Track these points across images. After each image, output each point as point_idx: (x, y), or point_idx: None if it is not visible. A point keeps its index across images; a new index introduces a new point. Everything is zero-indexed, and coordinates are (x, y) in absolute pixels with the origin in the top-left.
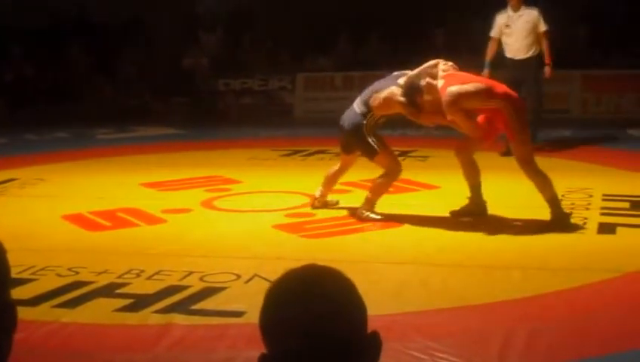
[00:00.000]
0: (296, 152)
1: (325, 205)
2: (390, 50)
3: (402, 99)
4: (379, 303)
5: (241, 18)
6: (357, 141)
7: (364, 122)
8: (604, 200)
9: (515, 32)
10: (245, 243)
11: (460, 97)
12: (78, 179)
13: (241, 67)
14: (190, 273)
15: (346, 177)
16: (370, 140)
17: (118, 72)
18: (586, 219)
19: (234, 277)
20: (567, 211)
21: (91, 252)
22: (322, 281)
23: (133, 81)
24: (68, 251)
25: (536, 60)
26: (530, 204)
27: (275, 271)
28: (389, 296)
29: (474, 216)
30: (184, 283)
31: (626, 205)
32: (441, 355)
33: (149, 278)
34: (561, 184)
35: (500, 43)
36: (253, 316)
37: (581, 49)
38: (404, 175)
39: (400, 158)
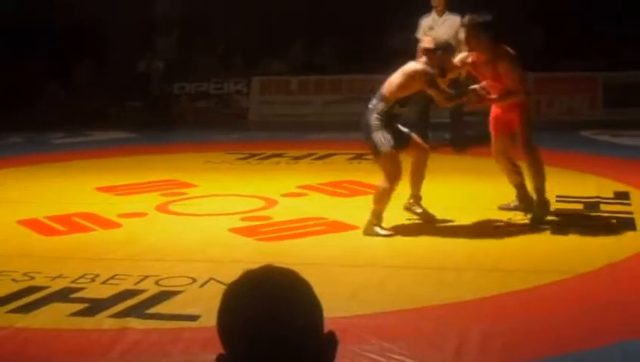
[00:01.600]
0: (251, 156)
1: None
2: (344, 54)
3: (426, 67)
4: (335, 305)
5: (195, 22)
6: (366, 136)
7: (375, 115)
8: (557, 201)
9: (439, 36)
10: (201, 247)
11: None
12: (34, 184)
13: (197, 71)
14: (145, 277)
15: (304, 180)
16: (379, 137)
17: (72, 76)
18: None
19: (189, 281)
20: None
21: (46, 257)
22: (278, 282)
23: (88, 86)
24: (23, 256)
25: None
26: (484, 206)
27: (231, 275)
28: (345, 298)
29: (523, 211)
30: (139, 287)
31: (580, 206)
32: (397, 357)
33: (104, 283)
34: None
35: None
36: (209, 320)
37: (534, 52)
38: (360, 177)
39: (355, 161)
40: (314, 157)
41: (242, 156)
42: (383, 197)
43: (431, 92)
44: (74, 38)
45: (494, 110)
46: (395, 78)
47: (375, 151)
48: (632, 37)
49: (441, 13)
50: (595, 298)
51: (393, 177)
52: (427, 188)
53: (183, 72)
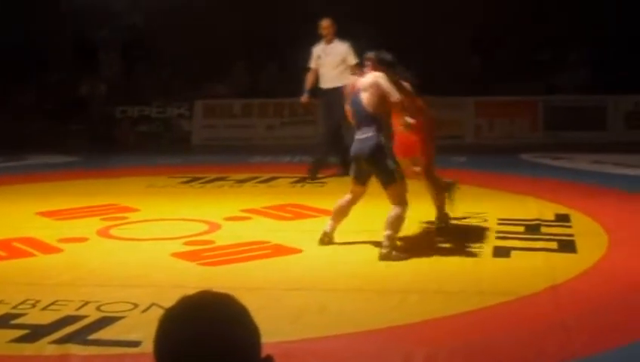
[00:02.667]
0: (194, 179)
1: (332, 240)
2: (287, 77)
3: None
4: (277, 329)
5: (136, 45)
6: (377, 163)
7: (382, 140)
8: (499, 224)
9: (326, 64)
10: (143, 272)
11: None
12: None
13: (139, 94)
14: (87, 303)
15: (247, 204)
16: (390, 165)
17: (11, 98)
18: (482, 242)
19: (131, 306)
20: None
21: None
22: (213, 307)
23: (27, 109)
24: None
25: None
26: (425, 228)
27: (173, 300)
28: (287, 322)
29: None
30: (81, 312)
31: (521, 229)
32: None
33: (44, 308)
34: (457, 209)
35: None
36: (150, 345)
37: (473, 77)
38: (303, 201)
39: (299, 185)
40: (258, 180)
41: (185, 180)
42: (399, 223)
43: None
44: (12, 61)
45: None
46: None
47: (387, 179)
48: (568, 62)
49: (329, 42)
50: (537, 320)
51: (405, 202)
52: (362, 209)
53: (124, 95)
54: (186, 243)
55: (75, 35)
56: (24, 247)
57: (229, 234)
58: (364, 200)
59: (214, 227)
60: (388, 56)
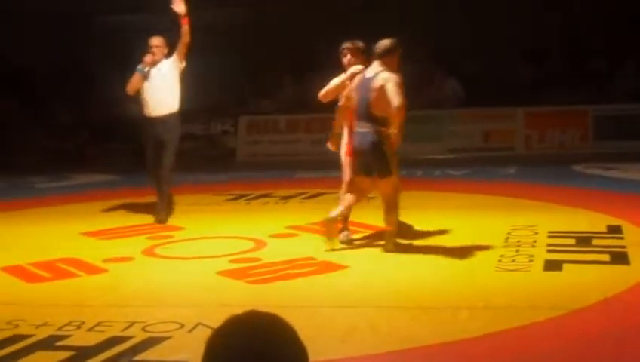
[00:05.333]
0: (239, 197)
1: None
2: None
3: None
4: (326, 348)
5: None
6: (378, 156)
7: (383, 136)
8: (549, 237)
9: None
10: (189, 291)
11: None
12: (17, 230)
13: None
14: (132, 323)
15: (293, 220)
16: (389, 159)
17: (52, 118)
18: (532, 256)
19: (177, 326)
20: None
21: (31, 304)
22: (261, 327)
23: (68, 128)
24: (7, 304)
25: None
26: (475, 243)
27: (220, 319)
28: (336, 340)
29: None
30: (126, 333)
31: (572, 241)
32: None
33: (89, 330)
34: (507, 221)
35: None
36: None
37: (523, 86)
38: (351, 217)
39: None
40: (303, 196)
41: (230, 197)
42: (393, 216)
43: None
44: (54, 80)
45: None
46: None
47: (385, 172)
48: (619, 71)
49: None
50: (589, 334)
51: (397, 193)
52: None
53: None
54: (232, 261)
55: (117, 52)
56: (68, 268)
57: (275, 252)
58: (412, 217)
59: (260, 244)
60: (361, 44)
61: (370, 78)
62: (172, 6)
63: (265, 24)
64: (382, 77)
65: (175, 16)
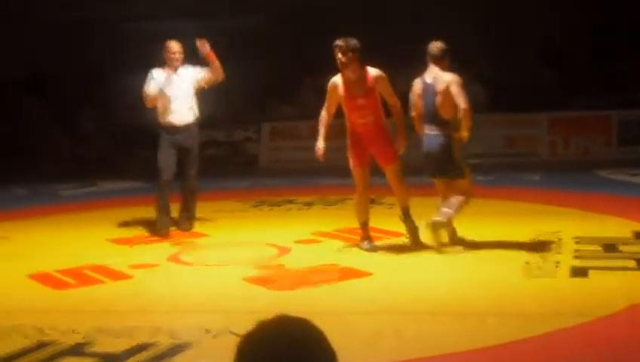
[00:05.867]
0: (263, 203)
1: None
2: None
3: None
4: (352, 355)
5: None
6: (447, 158)
7: (452, 140)
8: (575, 243)
9: None
10: (214, 297)
11: None
12: (43, 237)
13: (204, 118)
14: (158, 329)
15: (317, 226)
16: (459, 160)
17: (76, 125)
18: (558, 262)
19: (203, 332)
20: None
21: (58, 311)
22: (292, 331)
23: (92, 134)
24: (34, 311)
25: None
26: (500, 249)
27: (246, 326)
28: (362, 347)
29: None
30: (152, 340)
31: (598, 248)
32: None
33: (116, 336)
34: (532, 228)
35: None
36: None
37: (547, 92)
38: (373, 223)
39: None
40: (326, 202)
41: (253, 203)
42: (460, 206)
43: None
44: (78, 86)
45: (361, 138)
46: None
47: (457, 174)
48: None
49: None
50: (615, 340)
51: (470, 195)
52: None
53: None
54: (257, 268)
55: (137, 59)
56: (94, 275)
57: (300, 258)
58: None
59: (284, 251)
60: (353, 42)
61: (432, 82)
62: (197, 46)
63: (286, 30)
64: (444, 79)
65: (202, 57)
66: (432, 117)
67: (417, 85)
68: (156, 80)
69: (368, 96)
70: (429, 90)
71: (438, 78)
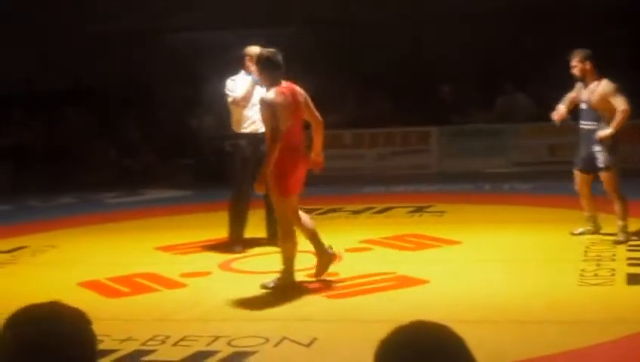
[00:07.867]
0: (309, 211)
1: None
2: (393, 106)
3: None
4: None
5: None
6: (602, 148)
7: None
8: (629, 250)
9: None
10: (270, 305)
11: None
12: (91, 245)
13: None
14: (217, 338)
15: (366, 234)
16: (612, 155)
17: (120, 134)
18: (613, 270)
19: (262, 340)
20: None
21: (113, 319)
22: (433, 339)
23: (136, 144)
24: None
25: None
26: (553, 257)
27: (303, 333)
28: None
29: None
30: (212, 348)
31: None
32: None
33: (175, 344)
34: (584, 235)
35: None
36: None
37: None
38: (423, 230)
39: (416, 214)
40: (373, 211)
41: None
42: (625, 211)
43: None
44: (121, 95)
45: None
46: None
47: (608, 165)
48: None
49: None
50: None
51: (620, 192)
52: (499, 239)
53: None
54: (310, 276)
55: (182, 68)
56: (147, 283)
57: (352, 266)
58: (491, 231)
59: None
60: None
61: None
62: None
63: (330, 39)
64: (602, 86)
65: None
66: (589, 114)
67: (576, 90)
68: (241, 86)
69: None
70: (585, 93)
71: (594, 86)
